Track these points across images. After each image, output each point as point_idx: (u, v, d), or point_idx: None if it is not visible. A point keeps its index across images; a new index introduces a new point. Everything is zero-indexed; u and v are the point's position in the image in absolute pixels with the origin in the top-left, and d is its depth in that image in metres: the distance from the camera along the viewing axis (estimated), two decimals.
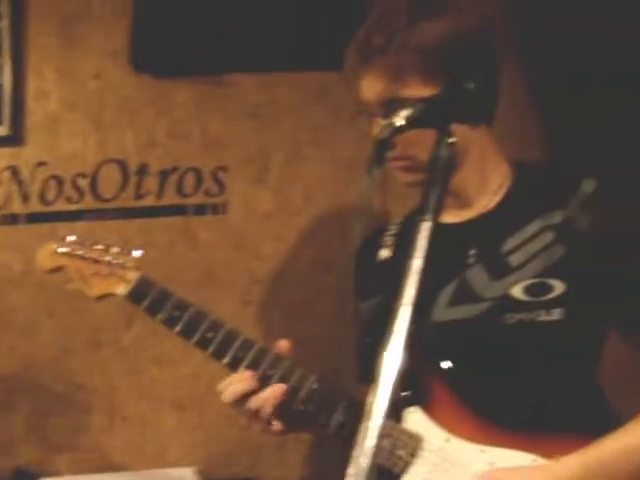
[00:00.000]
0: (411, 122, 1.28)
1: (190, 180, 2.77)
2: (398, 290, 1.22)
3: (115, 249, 1.88)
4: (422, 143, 1.53)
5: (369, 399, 1.17)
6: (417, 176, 1.66)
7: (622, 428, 1.59)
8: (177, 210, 2.77)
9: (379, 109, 1.65)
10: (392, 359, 1.18)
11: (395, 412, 1.68)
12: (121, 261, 1.86)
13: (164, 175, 2.76)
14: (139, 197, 2.75)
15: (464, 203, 1.76)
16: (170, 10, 2.62)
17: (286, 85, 2.83)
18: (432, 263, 1.68)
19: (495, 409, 1.64)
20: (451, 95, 1.41)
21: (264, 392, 1.72)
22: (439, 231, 1.74)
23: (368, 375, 1.22)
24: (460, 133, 1.37)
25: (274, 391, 1.71)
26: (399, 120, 1.26)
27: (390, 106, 1.59)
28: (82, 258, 1.88)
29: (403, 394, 1.70)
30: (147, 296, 1.80)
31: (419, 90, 1.60)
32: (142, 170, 2.75)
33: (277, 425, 1.75)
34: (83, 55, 2.72)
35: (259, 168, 2.81)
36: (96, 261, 1.87)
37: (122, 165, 2.74)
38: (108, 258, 1.86)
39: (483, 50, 1.68)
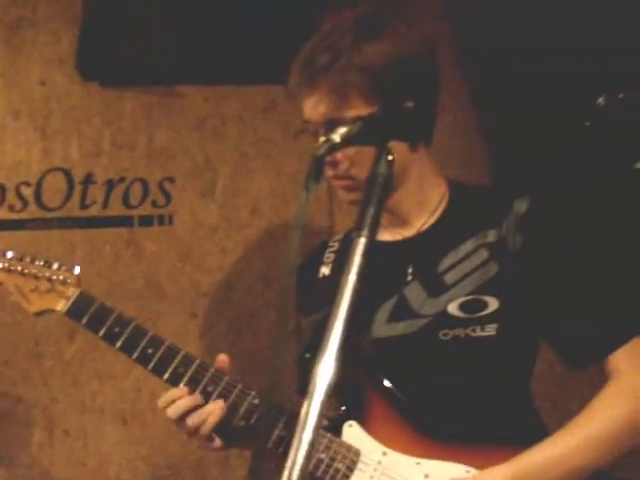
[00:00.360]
0: (348, 140, 1.28)
1: (136, 191, 2.74)
2: (332, 305, 1.22)
3: (55, 265, 1.87)
4: (363, 163, 1.54)
5: (301, 412, 1.17)
6: (358, 195, 1.64)
7: (551, 437, 1.64)
8: (123, 221, 2.73)
9: (322, 128, 1.65)
10: (324, 373, 1.18)
11: (334, 426, 1.70)
12: (61, 277, 1.85)
13: (110, 185, 2.72)
14: (84, 207, 2.70)
15: (402, 221, 1.79)
16: (119, 19, 2.58)
17: (234, 98, 2.81)
18: (371, 280, 1.69)
19: (431, 423, 1.67)
20: (390, 113, 1.41)
21: (205, 409, 1.71)
22: (377, 249, 1.75)
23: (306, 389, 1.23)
24: (400, 154, 1.37)
25: (214, 408, 1.71)
26: (336, 137, 1.26)
27: (332, 126, 1.60)
28: (21, 274, 1.87)
29: (342, 408, 1.71)
30: (87, 312, 1.81)
31: (362, 110, 1.61)
32: (88, 180, 2.70)
33: (217, 441, 1.75)
34: (29, 61, 2.67)
35: (206, 180, 2.79)
36: (35, 277, 1.86)
37: (67, 174, 2.69)
38: (48, 274, 1.86)
39: (425, 70, 1.70)
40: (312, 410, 1.15)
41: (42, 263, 1.87)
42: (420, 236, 1.77)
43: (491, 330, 1.66)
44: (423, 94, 1.65)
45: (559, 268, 1.70)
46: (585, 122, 2.70)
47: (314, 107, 1.67)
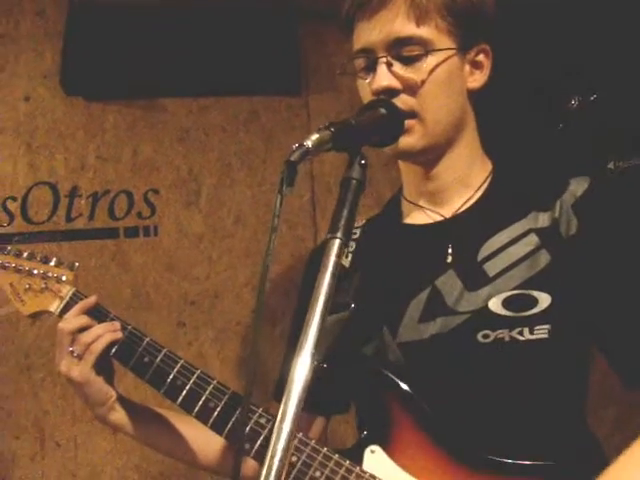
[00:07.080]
0: (320, 146, 1.20)
1: (121, 203, 2.71)
2: (308, 308, 1.14)
3: (53, 260, 1.70)
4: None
5: (277, 420, 1.08)
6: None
7: (627, 468, 1.34)
8: (109, 233, 2.71)
9: (384, 52, 1.44)
10: (299, 372, 1.10)
11: (354, 452, 1.45)
12: (56, 274, 1.67)
13: (95, 198, 2.70)
14: (70, 220, 2.68)
15: (440, 198, 1.52)
16: (102, 33, 2.57)
17: (216, 109, 2.80)
18: (400, 270, 1.49)
19: (468, 449, 1.38)
20: (362, 120, 1.33)
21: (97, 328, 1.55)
22: (409, 233, 1.54)
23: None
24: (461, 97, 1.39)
25: (108, 328, 1.56)
26: (309, 143, 1.18)
27: (398, 48, 1.43)
28: (16, 270, 1.69)
29: (364, 432, 1.46)
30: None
31: (432, 34, 1.43)
32: (73, 193, 2.68)
33: (110, 392, 1.60)
34: (12, 77, 2.64)
35: (190, 191, 2.77)
36: (30, 274, 1.68)
37: (53, 188, 2.67)
38: (43, 270, 1.67)
39: (492, 21, 1.51)
40: (288, 411, 1.09)
41: (39, 259, 1.69)
42: (459, 217, 1.49)
43: (543, 332, 1.37)
44: (486, 43, 1.50)
45: (621, 260, 1.41)
46: (558, 124, 2.74)
47: (385, 23, 1.43)
